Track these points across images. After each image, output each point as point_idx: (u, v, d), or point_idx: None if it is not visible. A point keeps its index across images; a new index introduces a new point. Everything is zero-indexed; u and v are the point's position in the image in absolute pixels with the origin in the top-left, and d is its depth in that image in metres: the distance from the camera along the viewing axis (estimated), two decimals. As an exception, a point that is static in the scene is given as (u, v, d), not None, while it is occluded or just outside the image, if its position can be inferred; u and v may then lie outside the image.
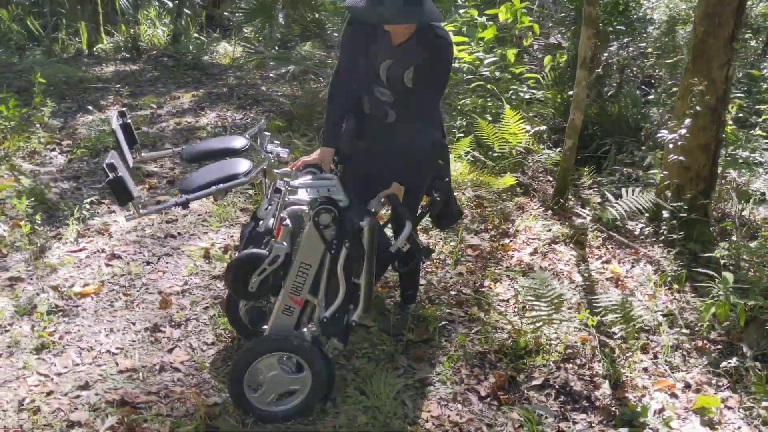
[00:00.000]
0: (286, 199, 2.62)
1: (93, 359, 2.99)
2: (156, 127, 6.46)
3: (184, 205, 2.53)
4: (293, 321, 2.60)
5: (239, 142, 2.83)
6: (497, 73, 6.20)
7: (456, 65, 6.13)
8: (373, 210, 2.60)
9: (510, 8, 6.16)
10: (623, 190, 4.53)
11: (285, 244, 2.54)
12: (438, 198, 2.86)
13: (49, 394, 2.74)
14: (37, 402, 2.68)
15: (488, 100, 6.09)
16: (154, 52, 9.63)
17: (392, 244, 2.60)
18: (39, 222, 4.10)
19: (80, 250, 3.96)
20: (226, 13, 11.23)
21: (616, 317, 3.25)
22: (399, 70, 2.75)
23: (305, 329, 2.63)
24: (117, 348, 3.08)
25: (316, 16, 9.42)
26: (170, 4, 11.04)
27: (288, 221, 2.56)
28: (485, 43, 6.33)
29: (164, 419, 2.63)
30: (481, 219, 4.63)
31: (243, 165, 2.66)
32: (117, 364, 2.96)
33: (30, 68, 8.12)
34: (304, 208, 2.54)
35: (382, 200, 2.67)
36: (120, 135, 2.76)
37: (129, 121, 2.89)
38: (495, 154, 5.29)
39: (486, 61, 6.36)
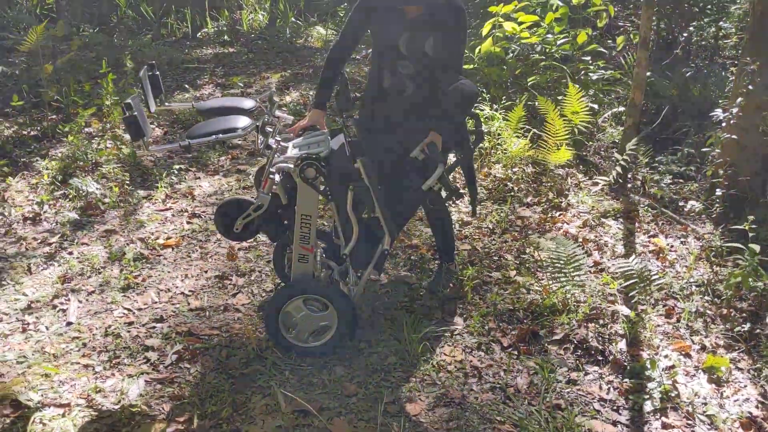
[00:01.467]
0: (276, 156, 2.96)
1: (168, 299, 3.48)
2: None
3: (187, 148, 2.94)
4: (310, 267, 2.95)
5: (248, 102, 3.13)
6: (567, 53, 6.30)
7: (527, 44, 6.28)
8: (413, 156, 2.86)
9: (583, -11, 6.24)
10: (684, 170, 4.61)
11: (269, 194, 2.98)
12: (459, 160, 3.09)
13: (130, 324, 3.24)
14: (120, 330, 3.18)
15: (555, 78, 6.22)
16: (252, 35, 10.22)
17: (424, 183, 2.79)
18: (131, 185, 4.66)
19: (166, 209, 4.49)
20: (323, -3, 11.73)
21: (635, 281, 3.43)
22: (418, 41, 2.99)
23: (322, 272, 3.05)
24: (189, 291, 3.55)
25: None
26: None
27: (275, 175, 2.94)
28: (557, 23, 6.44)
29: (222, 348, 3.06)
30: (535, 193, 4.83)
31: (242, 121, 2.94)
32: (188, 304, 3.43)
33: (138, 50, 8.88)
34: (290, 165, 2.84)
35: (422, 150, 2.88)
36: (147, 84, 3.08)
37: (157, 73, 3.20)
38: (555, 131, 5.44)
39: (558, 42, 6.47)
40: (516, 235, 4.24)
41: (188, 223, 4.32)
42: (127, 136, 5.62)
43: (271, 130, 3.09)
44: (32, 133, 5.72)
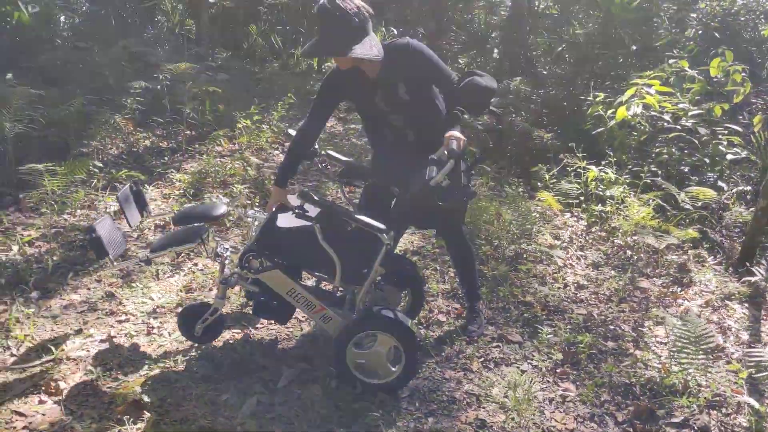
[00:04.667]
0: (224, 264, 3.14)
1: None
2: (363, 140, 7.14)
3: (147, 262, 3.22)
4: (337, 317, 3.00)
5: (217, 210, 3.21)
6: (701, 129, 6.11)
7: (657, 113, 6.15)
8: (436, 158, 2.91)
9: (722, 64, 6.07)
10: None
11: (223, 298, 3.10)
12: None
13: (246, 341, 3.32)
14: (237, 345, 3.28)
15: (685, 152, 6.04)
16: (373, 74, 10.47)
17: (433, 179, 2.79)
18: (255, 206, 4.83)
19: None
20: (445, 44, 11.93)
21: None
22: (392, 93, 3.10)
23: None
24: (303, 317, 3.62)
25: (528, 54, 9.76)
26: (395, 31, 11.93)
27: (224, 280, 3.07)
28: (692, 94, 6.28)
29: (332, 378, 3.08)
30: (656, 265, 4.67)
31: (196, 231, 3.13)
32: (302, 329, 3.49)
33: (268, 77, 9.28)
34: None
35: (445, 152, 2.92)
36: (129, 204, 3.27)
37: (141, 188, 3.43)
38: (682, 205, 5.27)
39: (690, 113, 6.30)
40: (634, 306, 4.09)
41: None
42: (254, 159, 5.86)
43: (216, 240, 3.29)
44: (167, 145, 6.04)
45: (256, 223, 3.28)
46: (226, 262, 3.12)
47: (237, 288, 3.34)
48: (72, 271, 3.81)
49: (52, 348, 3.11)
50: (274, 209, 3.16)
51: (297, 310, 3.14)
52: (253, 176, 5.41)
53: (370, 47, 2.92)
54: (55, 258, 3.87)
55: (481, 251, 4.51)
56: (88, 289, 3.67)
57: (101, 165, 5.06)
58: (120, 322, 3.39)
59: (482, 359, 3.41)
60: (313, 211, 2.89)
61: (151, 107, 6.45)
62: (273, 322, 3.44)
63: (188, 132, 6.34)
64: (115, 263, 3.07)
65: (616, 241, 4.96)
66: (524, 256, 4.55)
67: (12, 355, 3.07)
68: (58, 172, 4.43)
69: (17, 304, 3.42)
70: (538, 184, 5.94)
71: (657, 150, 6.00)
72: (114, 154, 5.63)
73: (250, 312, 3.31)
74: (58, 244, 4.07)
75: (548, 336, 3.63)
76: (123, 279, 3.80)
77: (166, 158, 5.73)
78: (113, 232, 3.10)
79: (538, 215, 5.22)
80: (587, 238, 5.03)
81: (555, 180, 5.82)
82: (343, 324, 3.00)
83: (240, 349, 3.23)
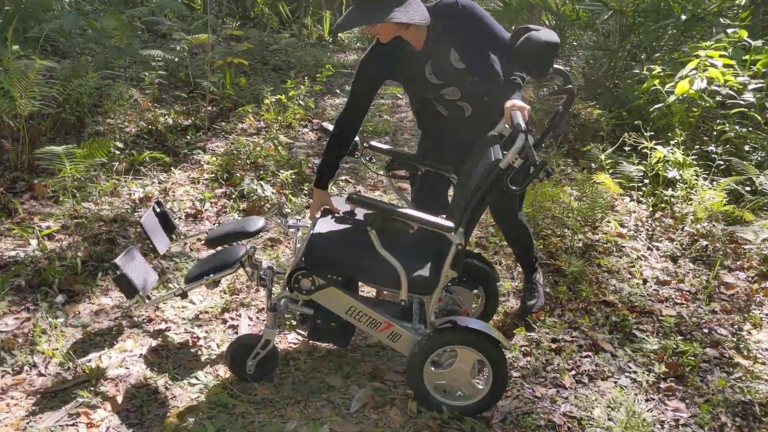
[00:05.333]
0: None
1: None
2: (395, 116, 6.68)
3: (183, 295, 2.71)
4: (407, 334, 2.57)
5: (255, 224, 2.83)
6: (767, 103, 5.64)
7: (715, 87, 5.67)
8: (495, 134, 2.61)
9: (791, 32, 5.58)
10: None
11: (274, 328, 2.62)
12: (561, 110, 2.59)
13: (307, 353, 2.89)
14: (296, 359, 2.85)
15: (750, 130, 5.58)
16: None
17: (501, 158, 2.35)
18: (293, 192, 4.38)
19: (330, 223, 4.16)
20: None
21: None
22: (443, 63, 2.72)
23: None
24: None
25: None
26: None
27: (272, 306, 2.60)
28: (759, 66, 5.79)
29: (410, 399, 2.66)
30: (735, 256, 4.24)
31: (234, 254, 2.76)
32: (365, 339, 3.06)
33: (284, 49, 8.77)
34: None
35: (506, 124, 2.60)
36: (155, 227, 2.91)
37: (165, 209, 3.03)
38: (761, 189, 4.82)
39: (750, 86, 5.82)
40: (726, 305, 3.66)
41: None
42: (283, 138, 5.39)
43: (258, 263, 2.81)
44: (189, 123, 5.56)
45: (299, 234, 2.89)
46: (273, 285, 2.68)
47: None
48: (100, 269, 3.36)
49: (86, 366, 2.68)
50: (318, 215, 2.76)
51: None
52: (285, 157, 4.95)
53: (413, 11, 2.53)
54: (79, 254, 3.42)
55: (550, 243, 4.06)
56: (113, 291, 3.22)
57: (122, 146, 4.58)
58: (159, 332, 2.95)
59: (573, 372, 2.99)
60: (363, 214, 2.43)
61: (167, 81, 5.96)
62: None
63: (209, 108, 5.85)
64: (147, 301, 2.67)
65: (686, 228, 4.52)
66: (594, 247, 4.11)
67: (40, 374, 2.64)
68: (76, 155, 3.96)
69: (42, 311, 2.98)
70: (592, 165, 5.49)
71: (719, 127, 5.53)
72: (132, 133, 5.15)
73: (306, 337, 2.87)
74: (81, 237, 3.62)
75: (642, 343, 3.21)
76: (158, 279, 3.36)
77: (188, 137, 5.25)
78: (140, 265, 2.72)
79: (603, 200, 4.77)
80: (653, 225, 4.59)
81: (610, 161, 5.36)
82: (416, 341, 2.57)
83: (301, 365, 2.80)
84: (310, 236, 2.59)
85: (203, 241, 3.08)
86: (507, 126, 2.70)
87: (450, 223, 2.38)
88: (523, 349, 3.11)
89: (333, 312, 2.61)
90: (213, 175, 4.54)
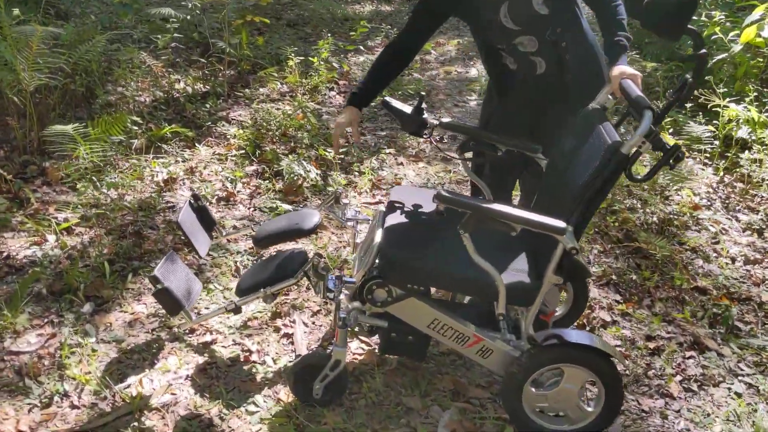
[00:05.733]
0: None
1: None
2: (426, 74, 6.18)
3: (236, 310, 2.33)
4: (502, 349, 2.16)
5: (311, 220, 2.45)
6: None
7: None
8: (597, 106, 2.24)
9: None
10: None
11: (344, 346, 2.20)
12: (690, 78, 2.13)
13: (374, 367, 2.51)
14: (363, 374, 2.47)
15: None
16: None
17: (624, 143, 1.94)
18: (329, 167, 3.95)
19: (376, 202, 3.75)
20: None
21: None
22: (523, 5, 2.32)
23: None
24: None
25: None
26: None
27: (342, 323, 2.18)
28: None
29: (501, 423, 2.29)
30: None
31: (294, 260, 2.35)
32: (437, 343, 2.68)
33: (297, 2, 8.21)
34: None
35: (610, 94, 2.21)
36: (188, 228, 2.48)
37: (204, 204, 2.62)
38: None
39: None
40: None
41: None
42: (310, 103, 4.92)
43: (324, 271, 2.37)
44: (206, 89, 5.09)
45: (358, 226, 2.53)
46: (342, 297, 2.27)
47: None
48: (129, 269, 2.96)
49: (126, 393, 2.30)
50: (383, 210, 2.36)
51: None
52: (316, 126, 4.49)
53: None
54: (104, 251, 3.02)
55: (622, 218, 3.64)
56: (148, 278, 2.82)
57: (139, 120, 4.13)
58: (205, 346, 2.56)
59: (679, 377, 2.61)
60: (437, 207, 2.00)
61: (179, 42, 5.46)
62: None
63: (228, 71, 5.36)
64: (194, 317, 2.28)
65: (764, 195, 4.08)
66: (670, 221, 3.69)
67: (72, 405, 2.26)
68: (91, 134, 3.51)
69: (68, 325, 2.59)
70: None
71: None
72: (147, 104, 4.69)
73: (377, 352, 2.48)
74: (104, 230, 3.21)
75: (749, 338, 2.83)
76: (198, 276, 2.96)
77: (208, 105, 4.79)
78: (182, 272, 2.33)
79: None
80: (727, 192, 4.15)
81: (670, 119, 4.89)
82: (512, 357, 2.17)
83: (372, 383, 2.42)
84: (384, 240, 2.17)
85: (250, 240, 2.67)
86: (611, 97, 2.29)
87: (561, 224, 1.96)
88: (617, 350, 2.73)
89: (411, 324, 2.22)
90: (242, 150, 4.09)
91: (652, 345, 2.76)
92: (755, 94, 4.60)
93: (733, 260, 3.45)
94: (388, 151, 4.40)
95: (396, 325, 2.26)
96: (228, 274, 2.99)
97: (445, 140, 4.12)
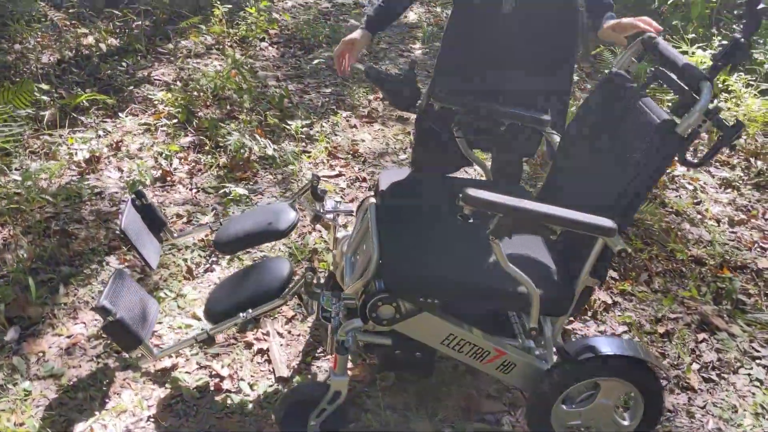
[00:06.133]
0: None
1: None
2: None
3: (207, 341, 1.95)
4: (527, 363, 1.88)
5: (284, 219, 2.10)
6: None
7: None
8: (622, 72, 1.92)
9: None
10: None
11: (344, 374, 1.82)
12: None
13: (381, 386, 2.16)
14: (361, 398, 2.12)
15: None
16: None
17: (679, 123, 1.65)
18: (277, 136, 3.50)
19: (337, 175, 3.33)
20: None
21: None
22: None
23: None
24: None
25: None
26: None
27: (341, 348, 1.80)
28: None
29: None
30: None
31: (278, 273, 1.97)
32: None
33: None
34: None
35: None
36: (134, 235, 2.05)
37: (148, 200, 2.17)
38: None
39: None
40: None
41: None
42: (240, 57, 4.40)
43: (318, 289, 1.95)
44: (121, 44, 4.45)
45: (340, 220, 2.20)
46: (339, 315, 1.88)
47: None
48: (59, 279, 2.46)
49: (74, 448, 1.87)
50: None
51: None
52: (252, 86, 3.99)
53: None
54: (24, 257, 2.51)
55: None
56: (93, 309, 2.36)
57: (47, 87, 3.52)
58: (165, 373, 2.13)
59: (695, 365, 2.40)
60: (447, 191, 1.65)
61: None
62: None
63: (144, 24, 4.72)
64: (155, 351, 1.89)
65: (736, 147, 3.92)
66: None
67: (8, 471, 1.81)
68: (-10, 108, 2.92)
69: (-10, 361, 2.11)
70: (600, 72, 4.77)
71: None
72: (53, 64, 4.04)
73: (377, 370, 2.13)
74: (20, 230, 2.67)
75: (755, 313, 2.65)
76: (139, 285, 2.50)
77: (125, 64, 4.18)
78: (134, 295, 1.90)
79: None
80: (695, 145, 3.96)
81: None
82: (540, 372, 1.88)
83: (372, 406, 2.07)
84: (386, 245, 1.79)
85: (213, 244, 2.23)
86: (635, 60, 1.96)
87: (612, 224, 1.63)
88: (624, 337, 2.49)
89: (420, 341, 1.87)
90: (174, 119, 3.56)
91: (661, 329, 2.53)
92: (719, 38, 4.40)
93: (718, 222, 3.26)
94: (339, 112, 3.96)
95: (401, 342, 1.91)
96: (179, 276, 2.54)
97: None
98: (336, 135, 3.70)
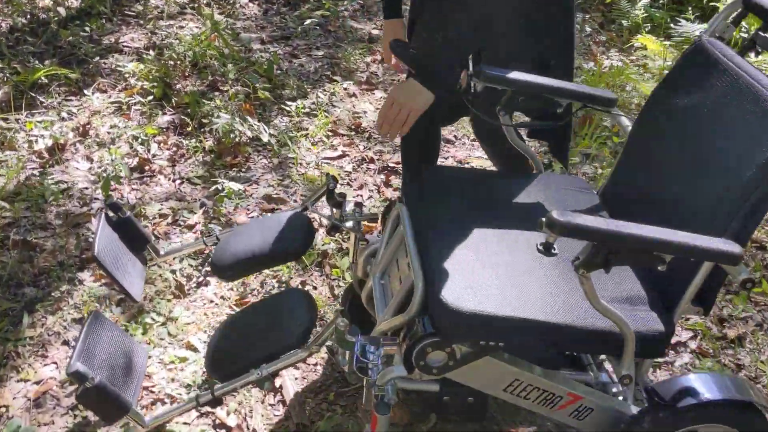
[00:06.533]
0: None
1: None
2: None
3: (214, 403, 1.54)
4: (606, 404, 1.51)
5: (299, 234, 1.72)
6: None
7: None
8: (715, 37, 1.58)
9: None
10: None
11: None
12: None
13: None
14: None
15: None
16: None
17: None
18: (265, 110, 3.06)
19: (340, 156, 2.91)
20: None
21: None
22: None
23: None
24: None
25: None
26: None
27: (379, 404, 1.44)
28: None
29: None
30: None
31: (300, 316, 1.56)
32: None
33: None
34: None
35: None
36: (111, 262, 1.63)
37: (126, 213, 1.75)
38: None
39: None
40: None
41: (386, 185, 2.77)
42: (217, 15, 3.91)
43: (352, 337, 1.46)
44: (83, 5, 3.93)
45: (357, 237, 1.77)
46: (378, 363, 1.47)
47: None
48: (22, 305, 2.05)
49: None
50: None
51: None
52: (235, 51, 3.52)
53: None
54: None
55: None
56: (68, 374, 1.96)
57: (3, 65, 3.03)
58: (160, 429, 1.75)
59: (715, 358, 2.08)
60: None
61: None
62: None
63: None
64: (147, 419, 1.52)
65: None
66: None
67: None
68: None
69: (-61, 423, 1.71)
70: (623, 22, 4.33)
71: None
72: (4, 32, 3.52)
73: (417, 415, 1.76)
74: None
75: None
76: (120, 309, 2.09)
77: (89, 30, 3.67)
78: (115, 343, 1.52)
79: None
80: None
81: (646, 15, 4.22)
82: (620, 419, 1.52)
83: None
84: (434, 276, 1.40)
85: (211, 268, 1.83)
86: (731, 24, 1.59)
87: (740, 249, 1.25)
88: (690, 345, 2.14)
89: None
90: (150, 96, 3.09)
91: (731, 333, 2.19)
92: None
93: None
94: (335, 79, 3.51)
95: (452, 388, 1.54)
96: (167, 294, 2.14)
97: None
98: (335, 107, 3.26)
